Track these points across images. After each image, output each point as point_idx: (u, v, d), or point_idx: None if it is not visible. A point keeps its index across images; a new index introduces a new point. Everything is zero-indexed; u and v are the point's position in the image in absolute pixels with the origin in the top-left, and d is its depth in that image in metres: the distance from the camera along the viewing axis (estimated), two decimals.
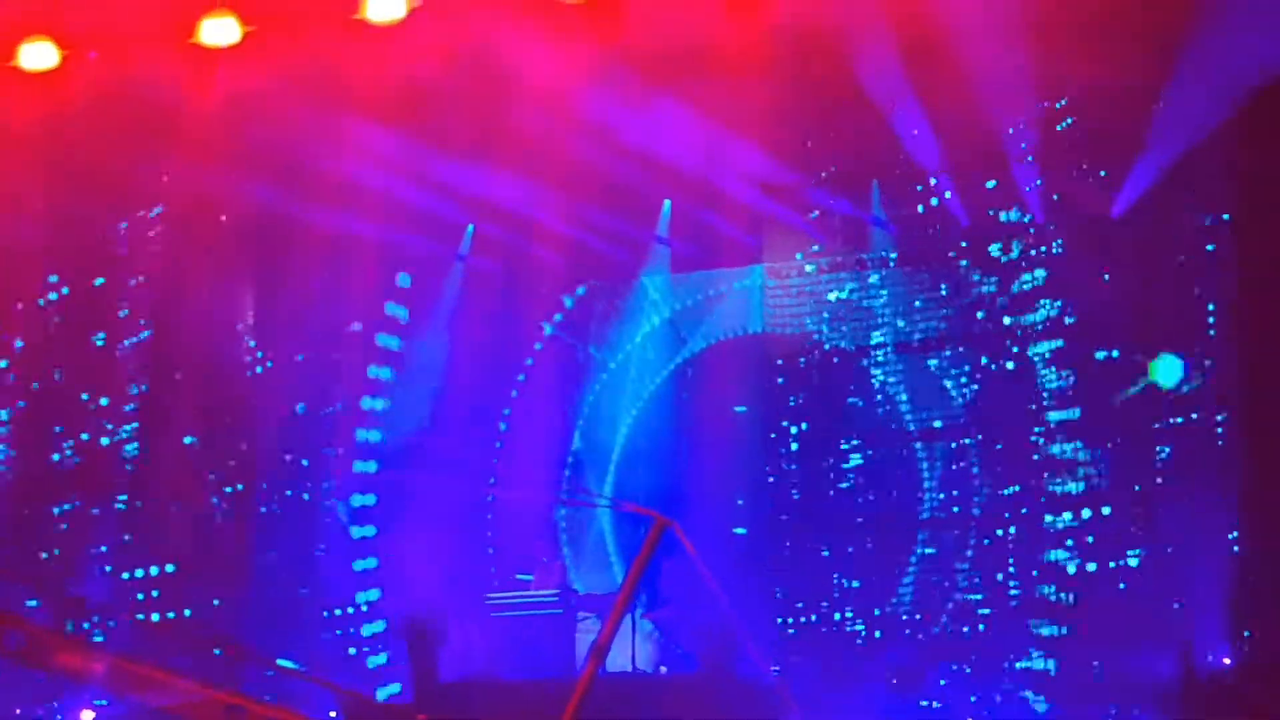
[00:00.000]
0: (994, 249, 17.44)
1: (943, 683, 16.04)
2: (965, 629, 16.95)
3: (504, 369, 19.42)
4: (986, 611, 16.92)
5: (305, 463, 19.05)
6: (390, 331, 19.31)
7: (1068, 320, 16.92)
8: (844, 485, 17.90)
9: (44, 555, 18.36)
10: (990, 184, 17.19)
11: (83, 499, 18.57)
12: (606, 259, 18.66)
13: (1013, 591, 16.91)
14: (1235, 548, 15.20)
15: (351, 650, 18.55)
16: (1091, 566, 16.45)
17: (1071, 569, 16.56)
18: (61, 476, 18.70)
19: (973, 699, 16.13)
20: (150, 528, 18.42)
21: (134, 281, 18.66)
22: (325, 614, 18.64)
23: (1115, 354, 16.60)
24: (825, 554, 17.79)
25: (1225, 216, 15.79)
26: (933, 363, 17.69)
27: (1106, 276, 16.70)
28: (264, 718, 9.06)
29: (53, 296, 18.74)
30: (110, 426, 18.66)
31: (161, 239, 18.50)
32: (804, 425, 18.17)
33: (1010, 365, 17.32)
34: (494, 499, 19.10)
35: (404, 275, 19.29)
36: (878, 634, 17.22)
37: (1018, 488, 17.11)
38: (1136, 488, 16.44)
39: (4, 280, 18.31)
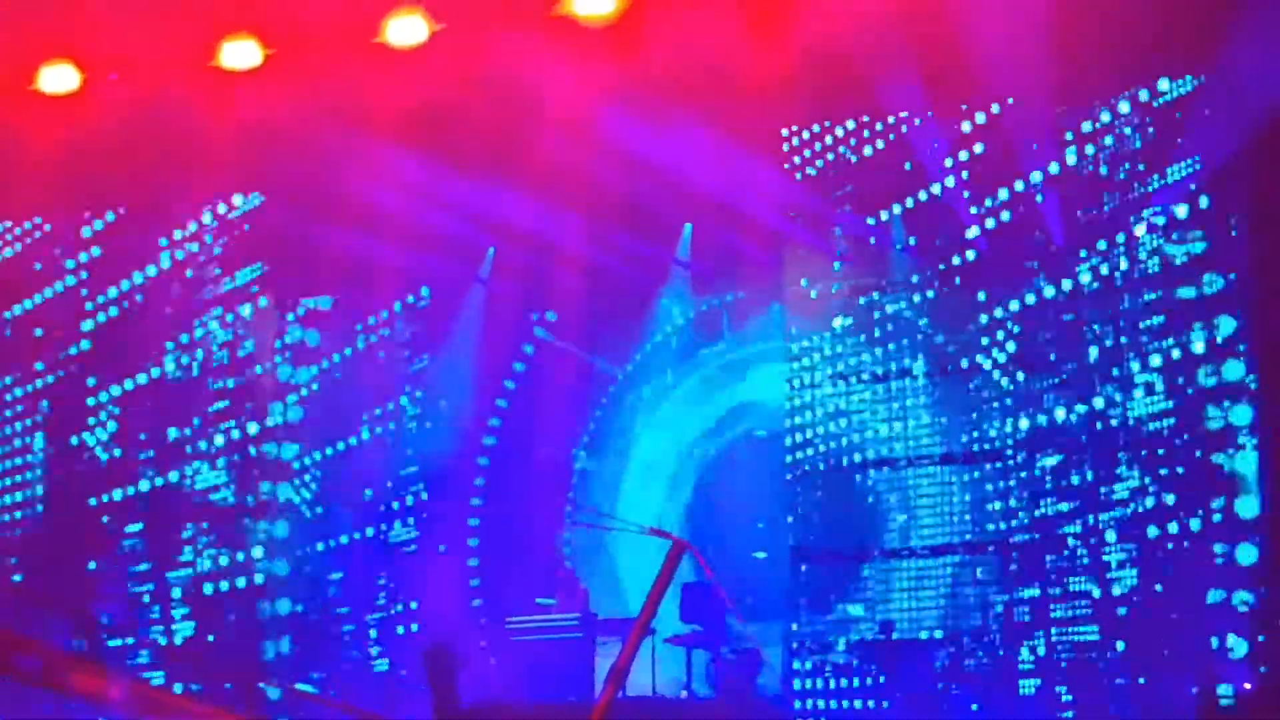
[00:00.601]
0: (1020, 270, 17.39)
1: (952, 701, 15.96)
2: (989, 653, 16.85)
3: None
4: (1016, 634, 16.83)
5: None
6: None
7: (1107, 343, 16.81)
8: (866, 507, 17.84)
9: (64, 576, 18.38)
10: (1014, 206, 17.12)
11: (105, 522, 18.61)
12: (626, 280, 18.61)
13: (1025, 616, 16.82)
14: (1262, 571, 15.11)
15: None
16: (1116, 591, 16.35)
17: (1097, 593, 16.47)
18: (82, 497, 18.76)
19: None
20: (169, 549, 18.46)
21: (157, 304, 18.72)
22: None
23: (1153, 377, 16.47)
24: (846, 578, 17.71)
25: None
26: (958, 386, 17.61)
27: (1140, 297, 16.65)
28: None
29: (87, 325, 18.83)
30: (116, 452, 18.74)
31: (181, 261, 18.54)
32: (827, 447, 18.08)
33: (1017, 389, 17.24)
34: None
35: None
36: (898, 657, 17.12)
37: (1030, 513, 17.04)
38: (1167, 503, 16.34)
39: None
